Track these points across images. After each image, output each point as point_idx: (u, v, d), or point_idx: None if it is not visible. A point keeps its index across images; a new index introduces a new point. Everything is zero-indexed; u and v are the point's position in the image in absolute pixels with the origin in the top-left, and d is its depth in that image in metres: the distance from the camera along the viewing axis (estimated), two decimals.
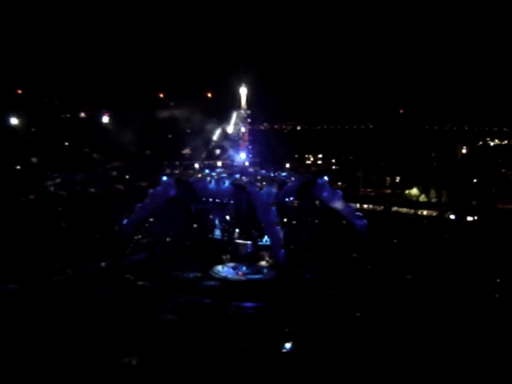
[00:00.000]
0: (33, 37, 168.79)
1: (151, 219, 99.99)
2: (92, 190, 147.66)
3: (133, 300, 74.39)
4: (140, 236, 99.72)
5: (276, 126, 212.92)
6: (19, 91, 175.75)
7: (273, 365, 57.17)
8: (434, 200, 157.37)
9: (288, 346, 61.05)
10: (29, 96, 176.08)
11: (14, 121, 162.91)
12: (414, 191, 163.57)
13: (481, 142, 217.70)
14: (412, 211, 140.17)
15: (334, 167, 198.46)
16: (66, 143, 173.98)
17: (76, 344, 60.22)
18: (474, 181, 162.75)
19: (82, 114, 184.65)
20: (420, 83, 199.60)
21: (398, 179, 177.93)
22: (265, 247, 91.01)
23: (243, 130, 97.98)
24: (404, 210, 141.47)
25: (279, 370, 55.99)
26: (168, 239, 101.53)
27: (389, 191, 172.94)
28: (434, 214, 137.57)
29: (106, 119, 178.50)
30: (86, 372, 54.45)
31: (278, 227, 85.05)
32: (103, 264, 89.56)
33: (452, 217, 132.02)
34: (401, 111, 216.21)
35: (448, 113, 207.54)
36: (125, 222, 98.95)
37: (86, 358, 57.06)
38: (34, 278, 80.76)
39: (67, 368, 55.03)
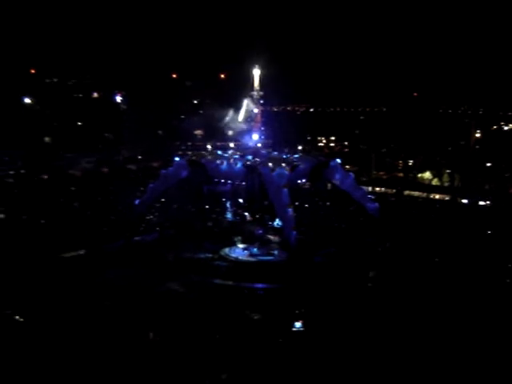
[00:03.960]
0: (46, 16, 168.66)
1: (163, 200, 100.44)
2: (105, 169, 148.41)
3: (144, 279, 74.97)
4: (152, 216, 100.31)
5: (289, 108, 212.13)
6: (33, 71, 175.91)
7: (282, 342, 57.65)
8: (446, 184, 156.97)
9: (298, 325, 61.36)
10: (42, 76, 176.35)
11: (27, 100, 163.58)
12: (427, 175, 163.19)
13: (495, 126, 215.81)
14: (424, 195, 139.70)
15: (346, 150, 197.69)
16: (79, 123, 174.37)
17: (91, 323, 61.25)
18: (488, 165, 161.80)
19: (95, 94, 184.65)
20: (434, 66, 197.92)
21: (410, 162, 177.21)
22: (276, 229, 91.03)
23: (256, 111, 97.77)
24: (416, 193, 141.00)
25: (288, 348, 56.44)
26: (179, 220, 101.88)
27: (401, 174, 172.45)
28: (447, 198, 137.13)
29: (118, 99, 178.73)
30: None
31: (290, 209, 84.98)
32: (116, 243, 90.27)
33: (464, 201, 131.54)
34: (415, 94, 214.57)
35: (462, 96, 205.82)
36: (137, 202, 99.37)
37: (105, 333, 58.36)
38: (48, 257, 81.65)
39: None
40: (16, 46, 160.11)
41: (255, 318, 63.77)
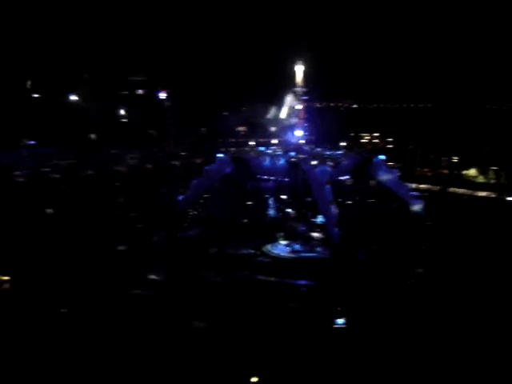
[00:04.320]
0: (92, 14, 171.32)
1: (206, 196, 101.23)
2: (149, 166, 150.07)
3: (188, 273, 75.86)
4: (195, 212, 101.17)
5: (332, 104, 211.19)
6: (79, 69, 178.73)
7: (324, 338, 57.78)
8: (492, 181, 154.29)
9: (340, 321, 61.33)
10: (88, 74, 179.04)
11: (73, 97, 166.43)
12: (472, 172, 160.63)
13: None
14: (469, 192, 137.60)
15: (390, 146, 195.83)
16: (124, 120, 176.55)
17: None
18: None
19: (140, 91, 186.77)
20: (481, 61, 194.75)
21: (455, 159, 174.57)
22: (319, 225, 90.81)
23: (299, 107, 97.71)
24: (461, 190, 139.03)
25: (330, 343, 56.52)
26: (223, 216, 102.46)
27: (446, 171, 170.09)
28: (493, 195, 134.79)
29: (162, 96, 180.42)
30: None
31: (333, 206, 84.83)
32: (160, 238, 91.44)
33: (511, 199, 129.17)
34: (461, 90, 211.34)
35: (509, 91, 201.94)
36: (180, 198, 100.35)
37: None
38: (92, 251, 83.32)
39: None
40: (64, 44, 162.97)
41: (297, 313, 64.10)
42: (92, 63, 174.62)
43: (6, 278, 73.24)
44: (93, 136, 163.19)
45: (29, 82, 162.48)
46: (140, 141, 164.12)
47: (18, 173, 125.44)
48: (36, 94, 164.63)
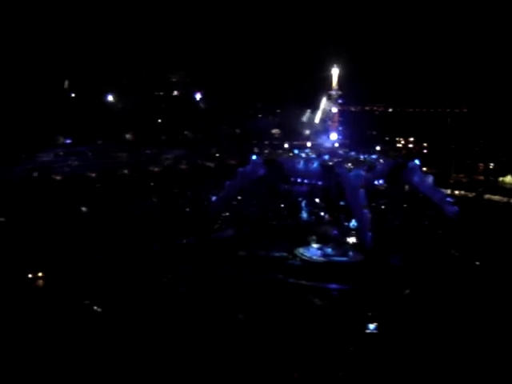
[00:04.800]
0: (129, 17, 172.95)
1: (239, 197, 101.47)
2: (183, 166, 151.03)
3: (218, 274, 76.16)
4: (228, 213, 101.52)
5: (367, 108, 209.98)
6: (116, 69, 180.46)
7: (355, 343, 57.51)
8: None
9: (372, 326, 60.99)
10: (125, 74, 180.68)
11: (110, 98, 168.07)
12: (509, 179, 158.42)
13: None
14: (505, 199, 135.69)
15: (425, 151, 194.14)
16: (159, 120, 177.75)
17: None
18: None
19: (176, 93, 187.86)
20: None
21: (491, 166, 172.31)
22: (352, 230, 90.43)
23: (334, 111, 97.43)
24: (497, 197, 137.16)
25: (361, 349, 56.24)
26: (255, 218, 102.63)
27: (482, 178, 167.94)
28: None
29: (198, 97, 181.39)
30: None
31: (366, 210, 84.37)
32: (191, 239, 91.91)
33: None
34: (497, 96, 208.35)
35: None
36: (213, 198, 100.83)
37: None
38: (126, 250, 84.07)
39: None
40: (101, 45, 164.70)
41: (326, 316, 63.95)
42: (129, 64, 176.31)
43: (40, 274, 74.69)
44: (128, 136, 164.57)
45: (67, 82, 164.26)
46: (175, 141, 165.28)
47: (54, 171, 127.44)
48: (74, 93, 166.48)
